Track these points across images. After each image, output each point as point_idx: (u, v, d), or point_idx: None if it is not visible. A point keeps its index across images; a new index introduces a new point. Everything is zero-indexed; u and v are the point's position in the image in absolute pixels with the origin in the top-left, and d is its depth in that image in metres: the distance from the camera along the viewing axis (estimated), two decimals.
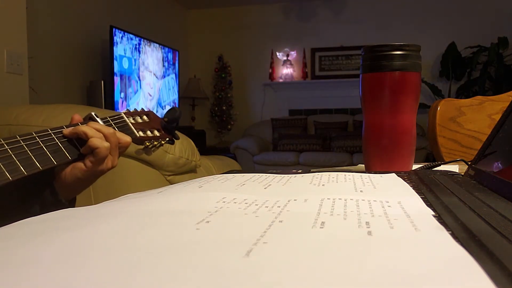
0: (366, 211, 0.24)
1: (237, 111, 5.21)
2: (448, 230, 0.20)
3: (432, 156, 1.23)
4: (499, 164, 0.39)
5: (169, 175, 1.24)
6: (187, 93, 4.94)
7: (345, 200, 0.28)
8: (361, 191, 0.33)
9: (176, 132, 0.82)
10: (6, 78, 2.05)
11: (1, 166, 0.49)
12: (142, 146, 0.74)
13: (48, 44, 2.99)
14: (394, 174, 0.44)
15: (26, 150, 0.53)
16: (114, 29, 3.27)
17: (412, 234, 0.20)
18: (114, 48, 3.28)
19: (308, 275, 0.15)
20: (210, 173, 1.46)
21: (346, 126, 4.51)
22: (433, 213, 0.24)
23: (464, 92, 4.32)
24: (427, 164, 0.60)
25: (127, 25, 3.62)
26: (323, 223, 0.22)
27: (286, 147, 4.31)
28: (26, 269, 0.16)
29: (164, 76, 4.17)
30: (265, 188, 0.35)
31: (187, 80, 5.00)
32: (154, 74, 3.96)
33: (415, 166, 0.62)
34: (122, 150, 0.66)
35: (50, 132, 0.58)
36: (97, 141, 0.60)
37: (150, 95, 3.91)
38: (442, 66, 4.46)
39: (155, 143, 0.75)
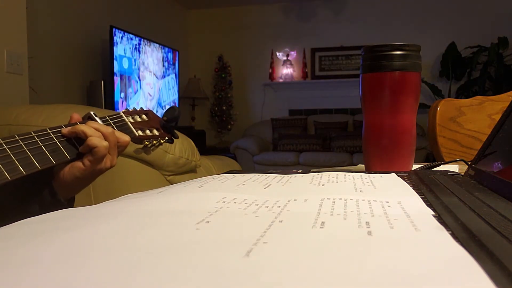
0: (366, 211, 0.24)
1: (237, 111, 5.21)
2: (448, 230, 0.20)
3: (432, 156, 1.23)
4: (499, 164, 0.39)
5: (169, 175, 1.24)
6: (187, 93, 4.95)
7: (345, 200, 0.28)
8: (361, 191, 0.33)
9: (176, 131, 0.82)
10: (6, 78, 2.05)
11: (0, 166, 0.49)
12: (141, 145, 0.74)
13: (48, 44, 2.99)
14: (394, 174, 0.44)
15: (25, 150, 0.53)
16: (114, 29, 3.27)
17: (412, 234, 0.20)
18: (114, 48, 3.28)
19: (308, 275, 0.15)
20: (210, 173, 1.46)
21: (346, 126, 4.51)
22: (433, 213, 0.24)
23: (464, 92, 4.33)
24: (427, 164, 0.60)
25: (127, 25, 3.62)
26: (323, 223, 0.22)
27: (286, 147, 4.31)
28: (26, 269, 0.16)
29: (164, 76, 4.17)
30: (265, 188, 0.35)
31: (187, 80, 5.00)
32: (154, 74, 3.96)
33: (415, 166, 0.62)
34: (121, 149, 0.66)
35: (49, 131, 0.58)
36: (96, 140, 0.60)
37: (150, 95, 3.91)
38: (442, 66, 4.46)
39: (154, 142, 0.75)
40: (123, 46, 3.41)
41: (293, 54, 5.02)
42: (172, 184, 0.58)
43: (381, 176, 0.42)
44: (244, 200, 0.29)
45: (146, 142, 0.74)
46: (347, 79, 4.83)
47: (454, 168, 0.58)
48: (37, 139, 0.55)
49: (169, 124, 0.78)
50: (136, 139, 0.72)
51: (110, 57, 3.26)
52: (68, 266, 0.16)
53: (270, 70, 5.04)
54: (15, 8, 2.09)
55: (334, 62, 4.95)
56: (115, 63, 3.30)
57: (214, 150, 4.54)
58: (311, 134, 4.53)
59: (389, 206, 0.26)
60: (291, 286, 0.14)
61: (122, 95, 3.42)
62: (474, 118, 0.94)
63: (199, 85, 5.01)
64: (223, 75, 5.14)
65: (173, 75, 4.39)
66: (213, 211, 0.25)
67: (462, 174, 0.47)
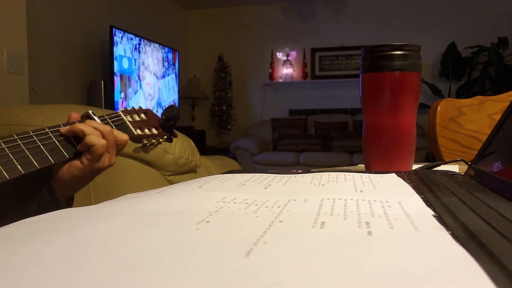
0: (366, 211, 0.24)
1: (237, 111, 5.21)
2: (448, 230, 0.20)
3: (432, 156, 1.23)
4: (499, 164, 0.39)
5: (169, 175, 1.24)
6: (187, 93, 4.94)
7: (345, 200, 0.28)
8: (361, 191, 0.33)
9: (175, 131, 0.82)
10: (6, 78, 2.05)
11: None
12: (140, 144, 0.74)
13: (48, 44, 2.99)
14: (394, 174, 0.44)
15: (24, 149, 0.53)
16: (114, 29, 3.27)
17: (412, 234, 0.20)
18: (114, 48, 3.28)
19: (308, 275, 0.15)
20: (210, 173, 1.46)
21: (346, 126, 4.51)
22: (433, 213, 0.24)
23: (464, 92, 4.33)
24: (427, 164, 0.60)
25: (127, 25, 3.62)
26: (323, 223, 0.22)
27: (286, 147, 4.31)
28: (26, 269, 0.16)
29: (164, 76, 4.17)
30: (265, 188, 0.35)
31: (187, 80, 5.00)
32: (154, 74, 3.96)
33: (415, 166, 0.62)
34: (119, 148, 0.66)
35: (47, 130, 0.58)
36: (94, 139, 0.60)
37: (150, 95, 3.91)
38: (442, 66, 4.46)
39: (153, 141, 0.75)
40: (123, 46, 3.41)
41: (293, 54, 5.02)
42: (172, 184, 0.58)
43: (381, 176, 0.42)
44: (244, 200, 0.29)
45: (145, 141, 0.74)
46: (347, 79, 4.83)
47: (454, 168, 0.58)
48: (35, 138, 0.55)
49: (168, 123, 0.78)
50: (134, 138, 0.72)
51: (110, 57, 3.26)
52: (68, 266, 0.16)
53: (270, 70, 5.04)
54: (15, 8, 2.09)
55: (334, 62, 4.95)
56: (115, 63, 3.30)
57: (214, 150, 4.54)
58: (311, 134, 4.53)
59: (389, 206, 0.26)
60: (291, 286, 0.14)
61: (122, 95, 3.42)
62: (474, 118, 0.94)
63: (199, 85, 5.01)
64: (223, 75, 5.14)
65: (173, 75, 4.39)
66: (213, 211, 0.25)
67: (462, 174, 0.47)
